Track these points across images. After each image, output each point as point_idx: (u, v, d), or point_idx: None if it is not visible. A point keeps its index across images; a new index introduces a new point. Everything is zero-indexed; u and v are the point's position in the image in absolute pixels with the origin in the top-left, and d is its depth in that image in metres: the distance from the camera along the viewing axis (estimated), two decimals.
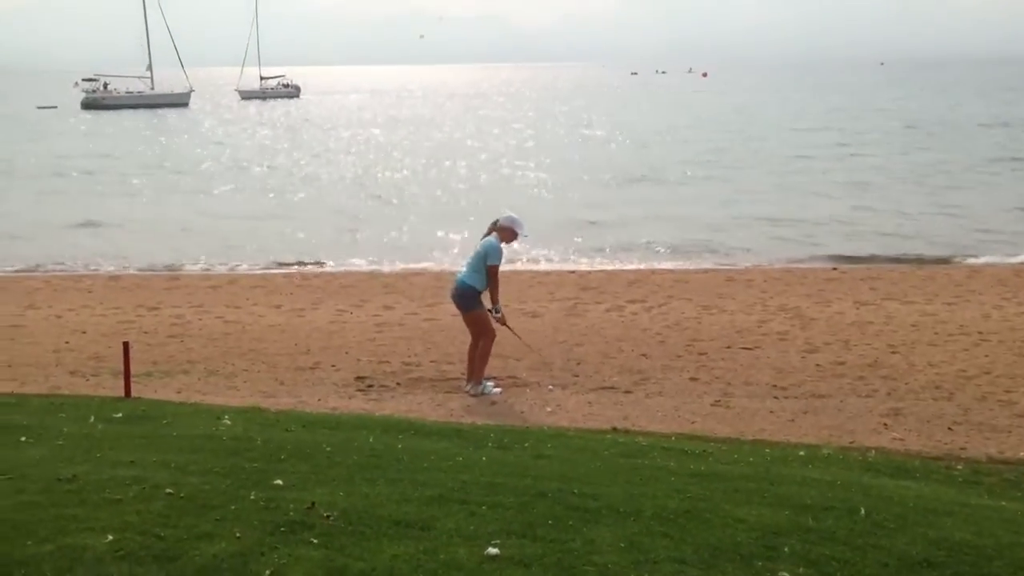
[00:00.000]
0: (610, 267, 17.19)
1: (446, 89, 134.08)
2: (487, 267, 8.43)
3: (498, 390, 8.68)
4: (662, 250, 18.50)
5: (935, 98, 79.98)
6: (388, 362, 9.85)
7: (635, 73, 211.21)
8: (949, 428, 7.61)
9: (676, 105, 78.58)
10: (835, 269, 16.28)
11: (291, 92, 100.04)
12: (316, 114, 72.55)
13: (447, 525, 3.62)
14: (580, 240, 19.77)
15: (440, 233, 20.88)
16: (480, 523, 3.67)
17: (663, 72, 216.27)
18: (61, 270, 17.35)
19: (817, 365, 9.66)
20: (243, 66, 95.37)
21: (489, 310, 8.58)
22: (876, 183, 27.92)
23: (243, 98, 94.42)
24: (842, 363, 9.73)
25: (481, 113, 72.28)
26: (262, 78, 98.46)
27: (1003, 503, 5.11)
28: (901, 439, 7.29)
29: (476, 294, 8.53)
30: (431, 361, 9.91)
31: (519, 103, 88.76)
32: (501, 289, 8.66)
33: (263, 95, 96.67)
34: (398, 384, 9.04)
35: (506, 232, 8.55)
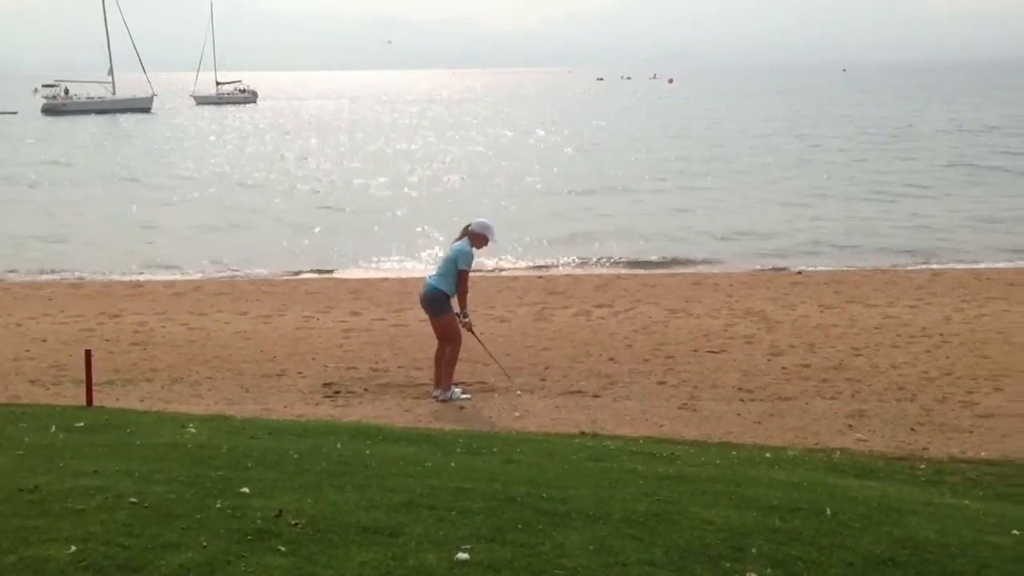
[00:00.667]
0: (577, 272, 17.24)
1: (410, 95, 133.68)
2: (458, 271, 8.42)
3: (466, 396, 8.66)
4: (621, 260, 18.41)
5: (897, 104, 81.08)
6: (355, 368, 9.80)
7: (601, 79, 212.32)
8: (912, 429, 7.71)
9: (639, 112, 78.96)
10: (799, 273, 16.46)
11: (248, 97, 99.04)
12: (271, 120, 71.72)
13: (416, 531, 3.61)
14: (546, 246, 19.77)
15: (405, 239, 20.80)
16: (449, 529, 3.66)
17: (628, 78, 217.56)
18: (19, 279, 17.02)
19: (783, 368, 9.75)
20: (198, 71, 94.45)
21: (457, 314, 8.58)
22: (836, 190, 28.22)
23: (198, 103, 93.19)
24: (807, 366, 9.83)
25: (442, 119, 72.16)
26: (218, 83, 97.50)
27: (966, 502, 5.19)
28: (865, 440, 7.39)
29: (445, 298, 8.51)
30: (399, 367, 9.87)
31: (480, 108, 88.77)
32: (469, 294, 8.65)
33: (218, 100, 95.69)
34: (366, 390, 8.99)
35: (478, 238, 8.54)
